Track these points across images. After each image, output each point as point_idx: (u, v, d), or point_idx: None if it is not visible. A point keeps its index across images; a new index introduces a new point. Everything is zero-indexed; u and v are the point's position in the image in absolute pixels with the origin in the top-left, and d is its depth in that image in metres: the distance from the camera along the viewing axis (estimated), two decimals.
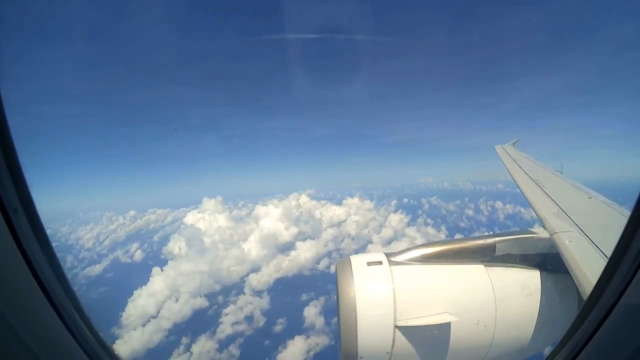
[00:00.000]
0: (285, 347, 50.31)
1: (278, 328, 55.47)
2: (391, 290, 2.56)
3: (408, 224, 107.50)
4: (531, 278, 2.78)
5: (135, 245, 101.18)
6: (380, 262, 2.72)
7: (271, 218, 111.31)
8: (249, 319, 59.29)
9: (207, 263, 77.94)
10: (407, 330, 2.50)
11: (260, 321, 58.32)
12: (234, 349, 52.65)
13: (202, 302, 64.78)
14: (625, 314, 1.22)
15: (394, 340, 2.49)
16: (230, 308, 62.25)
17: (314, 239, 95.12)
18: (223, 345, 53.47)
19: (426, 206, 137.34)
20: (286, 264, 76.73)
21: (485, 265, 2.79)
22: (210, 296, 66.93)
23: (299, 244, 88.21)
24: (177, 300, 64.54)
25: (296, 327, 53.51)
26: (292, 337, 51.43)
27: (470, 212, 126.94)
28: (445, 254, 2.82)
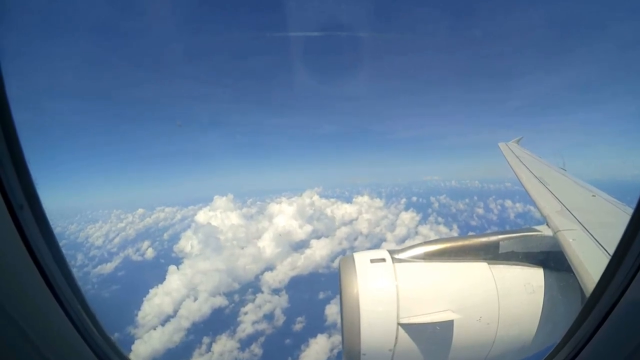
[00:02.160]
0: (307, 346, 49.76)
1: (298, 327, 54.88)
2: (394, 287, 2.57)
3: (420, 223, 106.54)
4: (534, 276, 2.78)
5: (146, 244, 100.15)
6: (383, 260, 2.73)
7: (285, 216, 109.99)
8: (268, 317, 58.59)
9: (224, 261, 77.12)
10: (410, 328, 2.51)
11: (280, 320, 57.68)
12: (256, 348, 52.08)
13: (220, 301, 64.05)
14: (628, 311, 1.22)
15: (396, 338, 2.50)
16: (249, 307, 61.48)
17: (328, 236, 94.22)
18: (244, 344, 52.97)
19: (436, 205, 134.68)
20: (301, 262, 75.92)
21: (488, 263, 2.79)
22: (229, 295, 66.25)
23: (313, 241, 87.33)
24: (195, 299, 63.63)
25: (318, 326, 52.79)
26: (315, 336, 50.69)
27: (480, 211, 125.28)
28: (448, 251, 2.82)
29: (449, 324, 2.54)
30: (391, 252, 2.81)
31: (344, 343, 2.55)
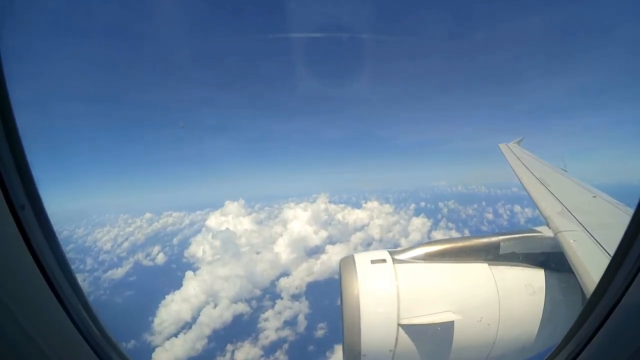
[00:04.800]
0: (333, 352, 48.08)
1: (320, 333, 53.45)
2: (395, 288, 2.57)
3: (432, 228, 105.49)
4: (535, 277, 2.78)
5: (156, 248, 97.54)
6: (384, 260, 2.73)
7: (299, 221, 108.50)
8: (289, 324, 57.40)
9: (243, 267, 75.60)
10: (410, 329, 2.51)
11: (302, 326, 56.42)
12: (280, 356, 51.00)
13: (241, 308, 62.59)
14: (627, 312, 1.22)
15: (397, 339, 2.51)
16: (269, 313, 60.72)
17: (343, 242, 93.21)
18: (268, 351, 51.80)
19: (445, 210, 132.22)
20: (318, 268, 74.44)
21: (489, 264, 2.79)
22: (249, 301, 64.81)
23: (328, 247, 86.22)
24: (215, 305, 62.92)
25: (341, 332, 51.26)
26: (339, 342, 49.37)
27: (490, 216, 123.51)
28: (449, 252, 2.82)
29: (449, 325, 2.54)
30: (392, 253, 2.81)
31: (345, 343, 2.56)
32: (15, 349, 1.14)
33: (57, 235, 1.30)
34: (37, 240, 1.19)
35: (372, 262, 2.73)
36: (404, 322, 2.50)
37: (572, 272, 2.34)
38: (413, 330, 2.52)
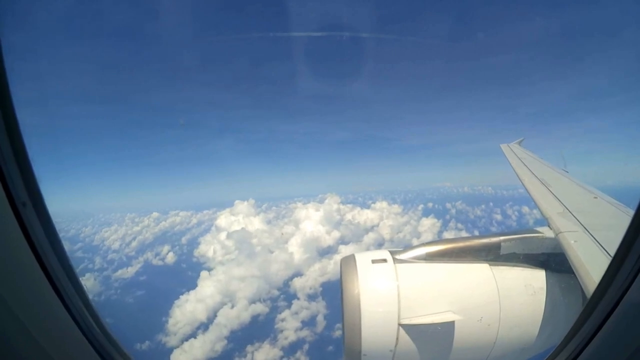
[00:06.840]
0: None
1: (339, 333, 52.41)
2: (395, 288, 2.57)
3: (442, 229, 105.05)
4: (536, 277, 2.78)
5: (166, 248, 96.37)
6: (384, 260, 2.73)
7: (311, 221, 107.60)
8: (307, 324, 56.67)
9: (258, 267, 74.71)
10: (410, 329, 2.51)
11: (320, 326, 56.04)
12: (301, 356, 50.44)
13: (259, 308, 62.71)
14: (628, 313, 1.23)
15: (397, 338, 2.51)
16: (286, 313, 60.22)
17: (355, 242, 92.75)
18: (288, 352, 51.18)
19: (453, 211, 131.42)
20: (331, 268, 72.92)
21: (489, 264, 2.79)
22: (266, 301, 64.23)
23: (341, 247, 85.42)
24: (232, 306, 62.36)
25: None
26: None
27: (498, 217, 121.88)
28: (449, 252, 2.82)
29: (450, 325, 2.54)
30: (392, 253, 2.81)
31: (345, 343, 2.56)
32: (17, 346, 1.14)
33: (58, 232, 1.30)
34: (38, 237, 1.20)
35: (373, 261, 2.73)
36: (405, 322, 2.50)
37: (573, 273, 2.34)
38: (413, 330, 2.52)
